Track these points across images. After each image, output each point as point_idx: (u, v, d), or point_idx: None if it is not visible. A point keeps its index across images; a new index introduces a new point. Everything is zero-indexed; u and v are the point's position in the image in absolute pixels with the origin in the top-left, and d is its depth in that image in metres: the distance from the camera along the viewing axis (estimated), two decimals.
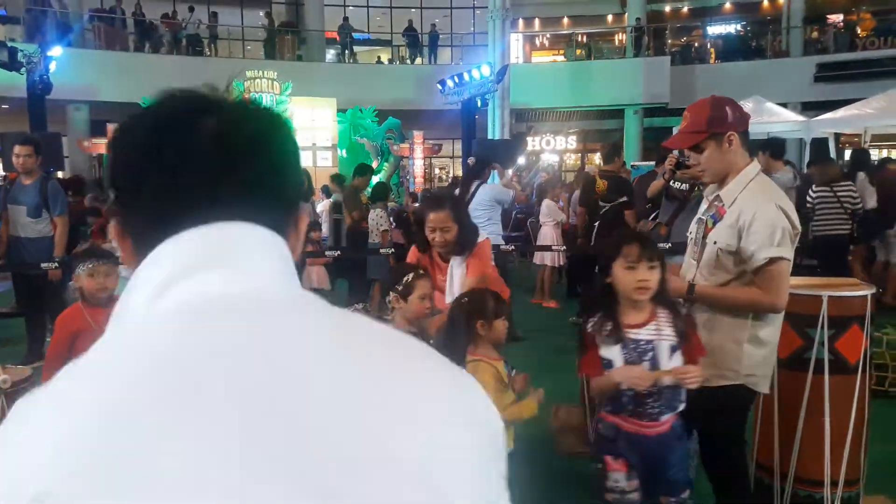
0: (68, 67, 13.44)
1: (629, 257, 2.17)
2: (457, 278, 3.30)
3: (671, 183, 4.96)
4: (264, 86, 15.20)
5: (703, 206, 2.59)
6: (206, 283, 0.57)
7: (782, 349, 2.71)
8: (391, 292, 2.64)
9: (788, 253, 2.30)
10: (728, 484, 2.55)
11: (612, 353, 2.18)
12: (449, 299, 3.26)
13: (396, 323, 2.62)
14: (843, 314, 2.65)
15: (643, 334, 2.17)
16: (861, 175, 8.65)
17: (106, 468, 0.45)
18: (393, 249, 6.55)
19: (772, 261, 2.27)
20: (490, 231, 6.21)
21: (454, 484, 0.50)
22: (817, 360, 2.66)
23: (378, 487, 0.47)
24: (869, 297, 2.69)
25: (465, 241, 3.23)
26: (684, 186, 5.00)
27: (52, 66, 10.56)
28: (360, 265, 7.18)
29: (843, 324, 2.65)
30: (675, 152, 4.76)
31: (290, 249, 0.65)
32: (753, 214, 2.29)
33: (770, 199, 2.34)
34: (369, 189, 8.11)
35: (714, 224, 2.43)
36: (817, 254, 6.97)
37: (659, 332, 2.17)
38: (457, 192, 6.46)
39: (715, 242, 2.39)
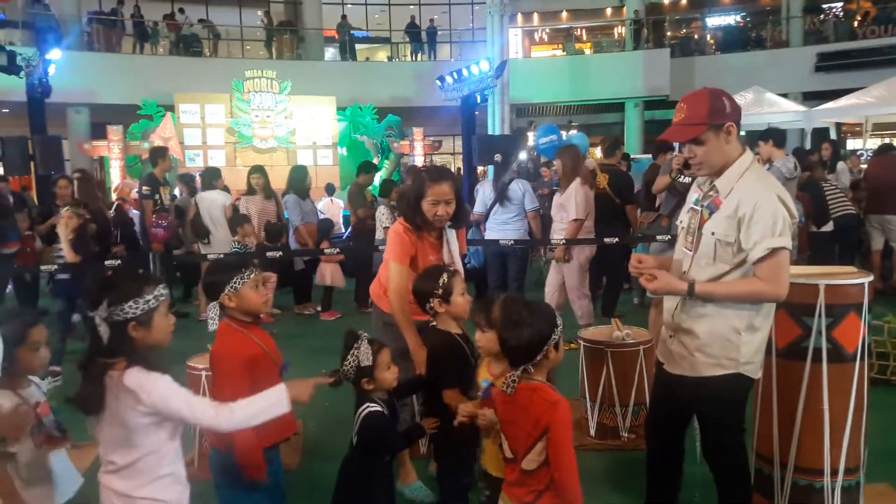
0: (67, 70, 13.40)
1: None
2: (455, 251, 3.25)
3: (677, 178, 5.00)
4: (264, 85, 15.19)
5: (695, 194, 2.57)
6: None
7: (780, 338, 2.72)
8: (431, 298, 2.57)
9: (789, 242, 2.30)
10: (729, 473, 2.55)
11: None
12: None
13: (442, 325, 2.61)
14: (840, 302, 2.64)
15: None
16: (841, 165, 8.78)
17: None
18: None
19: (774, 251, 2.27)
20: (519, 226, 6.21)
21: None
22: (815, 349, 2.66)
23: None
24: (866, 286, 2.68)
25: (460, 214, 3.19)
26: (688, 180, 5.01)
27: (52, 70, 10.53)
28: (369, 263, 7.20)
29: (840, 312, 2.64)
30: (679, 152, 4.78)
31: None
32: (754, 205, 2.29)
33: (769, 189, 2.34)
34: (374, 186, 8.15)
35: (710, 214, 2.42)
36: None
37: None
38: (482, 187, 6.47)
39: (713, 233, 2.38)
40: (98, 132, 16.01)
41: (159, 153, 7.67)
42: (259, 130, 15.18)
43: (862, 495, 2.82)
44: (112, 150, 14.56)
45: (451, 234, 3.25)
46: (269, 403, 1.97)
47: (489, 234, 6.33)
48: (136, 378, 1.87)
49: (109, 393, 1.89)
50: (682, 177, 4.96)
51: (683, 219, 2.60)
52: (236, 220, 7.04)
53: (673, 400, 2.59)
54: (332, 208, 10.97)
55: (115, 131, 14.57)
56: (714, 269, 2.40)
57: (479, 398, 2.36)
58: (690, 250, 2.49)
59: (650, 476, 2.78)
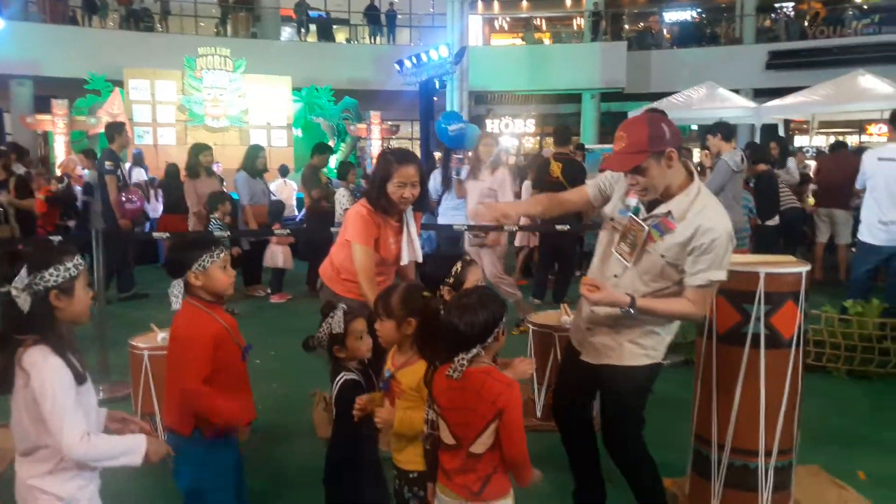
0: (10, 41, 12.94)
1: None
2: (414, 234, 3.26)
3: None
4: (217, 63, 14.86)
5: (631, 201, 2.53)
6: None
7: (721, 324, 2.78)
8: (441, 285, 2.50)
9: (725, 275, 2.40)
10: (634, 461, 2.67)
11: None
12: (408, 257, 3.26)
13: None
14: (778, 290, 2.71)
15: None
16: (791, 161, 9.11)
17: None
18: None
19: (712, 283, 2.39)
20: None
21: None
22: (754, 334, 2.72)
23: None
24: (804, 274, 2.76)
25: (422, 198, 3.21)
26: None
27: None
28: (323, 246, 7.11)
29: (778, 300, 2.71)
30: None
31: None
32: (711, 240, 2.34)
33: (724, 225, 2.38)
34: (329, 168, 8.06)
35: (661, 236, 2.42)
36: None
37: None
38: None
39: (663, 256, 2.42)
40: (42, 106, 15.45)
41: (116, 128, 7.46)
42: (211, 109, 14.86)
43: (794, 475, 2.91)
44: (56, 124, 14.10)
45: (411, 218, 3.25)
46: (128, 449, 1.91)
47: (441, 220, 6.32)
48: (34, 358, 1.80)
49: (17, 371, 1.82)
50: None
51: (616, 217, 2.58)
52: (214, 198, 6.88)
53: (584, 382, 2.70)
54: (286, 190, 10.82)
55: (60, 105, 14.08)
56: (657, 284, 2.47)
57: (381, 390, 2.35)
58: (628, 262, 2.49)
59: (572, 458, 2.90)
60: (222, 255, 2.32)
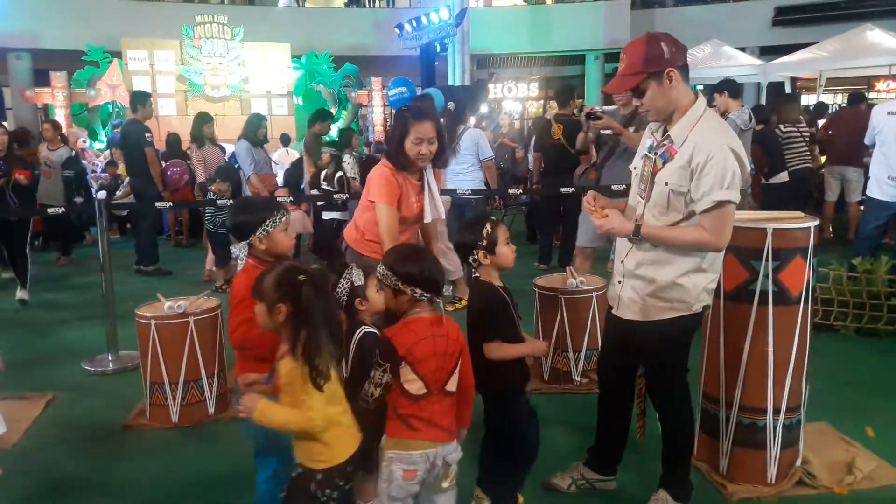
0: (6, 14, 12.78)
1: None
2: (436, 192, 3.29)
3: (589, 131, 5.04)
4: (215, 31, 14.67)
5: (648, 140, 2.56)
6: None
7: (728, 282, 2.76)
8: (475, 250, 2.47)
9: (736, 196, 2.31)
10: (674, 412, 2.62)
11: None
12: (431, 215, 3.28)
13: (485, 276, 2.51)
14: (786, 246, 2.68)
15: None
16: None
17: None
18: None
19: (720, 203, 2.29)
20: (475, 177, 6.18)
21: None
22: (762, 291, 2.70)
23: None
24: (812, 229, 2.73)
25: (440, 154, 3.21)
26: (591, 134, 5.15)
27: None
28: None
29: (786, 256, 2.68)
30: (589, 104, 4.90)
31: None
32: (707, 157, 2.28)
33: (723, 141, 2.32)
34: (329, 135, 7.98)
35: (664, 164, 2.40)
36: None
37: None
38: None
39: (666, 183, 2.38)
40: (41, 79, 15.31)
41: (140, 98, 7.37)
42: (210, 78, 14.72)
43: (802, 432, 2.92)
44: (56, 97, 14.00)
45: (432, 176, 3.27)
46: None
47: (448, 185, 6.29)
48: None
49: None
50: (589, 129, 5.02)
51: (637, 165, 2.59)
52: (221, 171, 6.79)
53: (623, 342, 2.63)
54: (288, 159, 10.75)
55: (59, 78, 13.96)
56: (667, 217, 2.41)
57: (267, 383, 2.16)
58: (643, 198, 2.49)
59: (601, 416, 2.84)
60: (284, 218, 2.43)
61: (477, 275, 2.54)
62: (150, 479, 3.10)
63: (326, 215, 6.89)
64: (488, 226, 2.49)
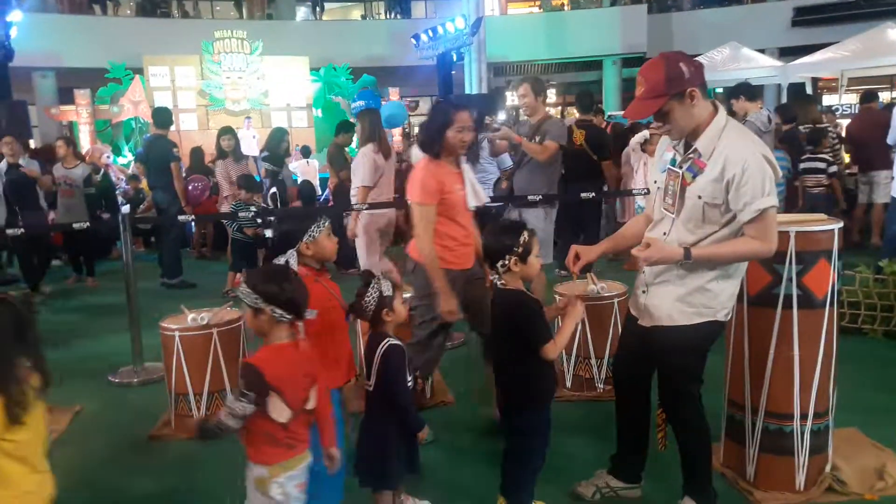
0: (30, 33, 12.96)
1: None
2: (474, 179, 3.44)
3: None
4: (234, 46, 14.87)
5: (668, 154, 2.52)
6: None
7: (751, 286, 2.73)
8: (508, 255, 2.45)
9: (775, 200, 2.31)
10: (689, 420, 2.59)
11: None
12: (473, 202, 3.38)
13: (513, 284, 2.51)
14: (810, 249, 2.65)
15: None
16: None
17: None
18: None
19: (765, 211, 2.28)
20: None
21: None
22: (786, 295, 2.67)
23: None
24: (836, 232, 2.69)
25: (471, 146, 3.33)
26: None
27: (13, 32, 10.22)
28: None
29: (810, 259, 2.65)
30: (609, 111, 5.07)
31: None
32: (742, 167, 2.26)
33: (754, 150, 2.31)
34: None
35: (694, 177, 2.38)
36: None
37: None
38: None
39: (699, 197, 2.36)
40: (65, 97, 15.62)
41: (166, 113, 7.48)
42: (231, 92, 14.90)
43: (831, 438, 2.87)
44: (80, 114, 14.25)
45: (467, 165, 3.41)
46: None
47: None
48: None
49: None
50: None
51: (658, 179, 2.57)
52: (248, 182, 6.86)
53: (642, 349, 2.61)
54: (309, 171, 10.84)
55: (82, 95, 14.22)
56: (703, 230, 2.40)
57: None
58: (673, 213, 2.47)
59: (619, 423, 2.83)
60: (327, 223, 2.54)
61: (503, 283, 2.50)
62: (175, 489, 3.12)
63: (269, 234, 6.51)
64: (526, 234, 2.48)
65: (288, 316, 2.05)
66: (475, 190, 3.38)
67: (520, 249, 2.44)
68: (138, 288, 4.79)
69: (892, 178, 5.59)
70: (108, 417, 4.01)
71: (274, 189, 6.44)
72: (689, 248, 2.37)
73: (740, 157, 2.28)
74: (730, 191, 2.29)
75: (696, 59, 2.43)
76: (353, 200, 5.31)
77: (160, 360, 4.01)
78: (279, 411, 2.00)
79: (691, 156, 2.41)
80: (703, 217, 2.38)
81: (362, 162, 5.22)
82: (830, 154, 7.28)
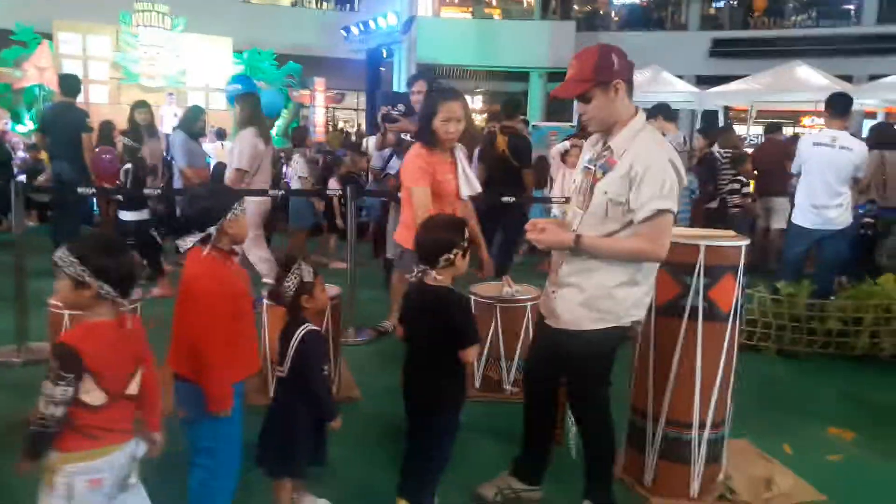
0: None
1: None
2: (468, 169, 3.47)
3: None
4: (154, 19, 14.22)
5: (587, 153, 2.57)
6: None
7: (660, 296, 2.78)
8: (455, 249, 2.40)
9: (674, 205, 2.34)
10: (595, 423, 2.62)
11: None
12: (466, 191, 3.42)
13: (445, 280, 2.44)
14: (718, 263, 2.73)
15: None
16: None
17: None
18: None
19: (659, 212, 2.31)
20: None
21: None
22: (692, 307, 2.74)
23: None
24: (743, 249, 2.78)
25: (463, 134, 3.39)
26: (408, 136, 5.40)
27: None
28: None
29: (717, 273, 2.73)
30: (385, 107, 5.60)
31: None
32: (646, 166, 2.30)
33: (662, 153, 2.36)
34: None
35: (604, 174, 2.42)
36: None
37: None
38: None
39: (605, 192, 2.39)
40: None
41: (71, 82, 7.05)
42: (146, 68, 14.25)
43: (726, 448, 2.96)
44: None
45: (462, 155, 3.43)
46: None
47: None
48: None
49: None
50: (386, 131, 5.52)
51: (577, 178, 2.60)
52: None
53: (552, 352, 2.62)
54: (222, 154, 10.47)
55: None
56: (604, 227, 2.42)
57: None
58: (581, 209, 2.50)
59: (527, 425, 2.83)
60: (243, 203, 2.35)
61: (440, 279, 2.43)
62: None
63: (124, 216, 6.03)
64: (467, 229, 2.49)
65: (114, 293, 1.86)
66: (468, 179, 3.40)
67: (465, 244, 2.43)
68: (29, 264, 4.46)
69: (791, 205, 5.88)
70: None
71: (129, 165, 6.01)
72: (580, 236, 2.41)
73: (647, 157, 2.33)
74: (632, 188, 2.33)
75: None
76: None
77: (46, 339, 3.74)
78: (91, 393, 1.83)
79: (605, 153, 2.45)
80: (605, 213, 2.40)
81: (243, 145, 5.09)
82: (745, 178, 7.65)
